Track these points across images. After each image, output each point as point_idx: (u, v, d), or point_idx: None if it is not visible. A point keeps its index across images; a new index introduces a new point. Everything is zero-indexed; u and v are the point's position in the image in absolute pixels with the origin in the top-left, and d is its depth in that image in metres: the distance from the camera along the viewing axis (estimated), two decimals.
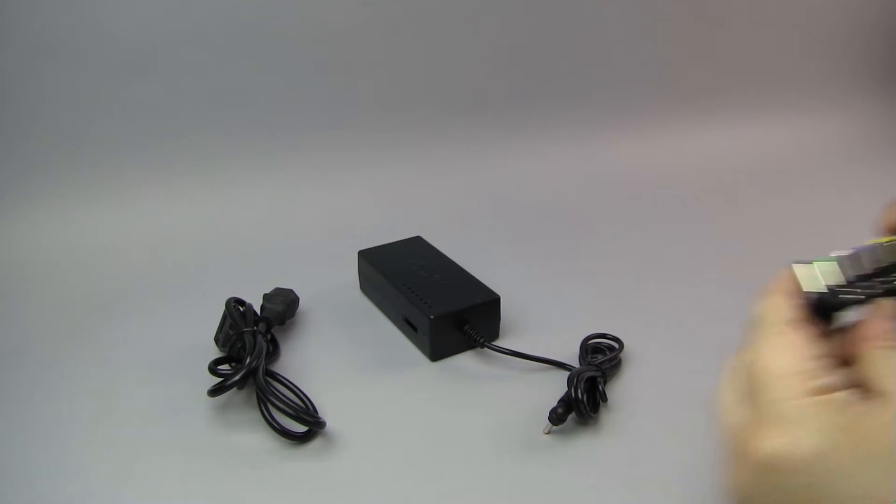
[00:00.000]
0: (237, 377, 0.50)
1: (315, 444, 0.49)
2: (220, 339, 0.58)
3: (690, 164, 0.97)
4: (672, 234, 0.81)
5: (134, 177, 0.80)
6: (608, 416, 0.52)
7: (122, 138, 0.80)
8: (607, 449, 0.49)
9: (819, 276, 0.35)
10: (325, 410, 0.52)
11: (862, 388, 0.30)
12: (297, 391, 0.53)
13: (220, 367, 0.53)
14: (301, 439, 0.49)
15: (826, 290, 0.34)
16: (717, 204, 0.89)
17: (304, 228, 0.80)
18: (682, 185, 0.93)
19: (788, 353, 0.31)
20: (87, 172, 0.79)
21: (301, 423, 0.49)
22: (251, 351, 0.52)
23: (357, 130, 0.89)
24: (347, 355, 0.59)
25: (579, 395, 0.49)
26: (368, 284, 0.67)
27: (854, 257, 0.34)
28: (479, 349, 0.58)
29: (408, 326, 0.60)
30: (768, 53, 1.03)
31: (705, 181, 0.94)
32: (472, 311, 0.58)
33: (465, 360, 0.58)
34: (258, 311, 0.60)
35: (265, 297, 0.61)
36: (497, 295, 0.59)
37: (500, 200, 0.88)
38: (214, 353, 0.58)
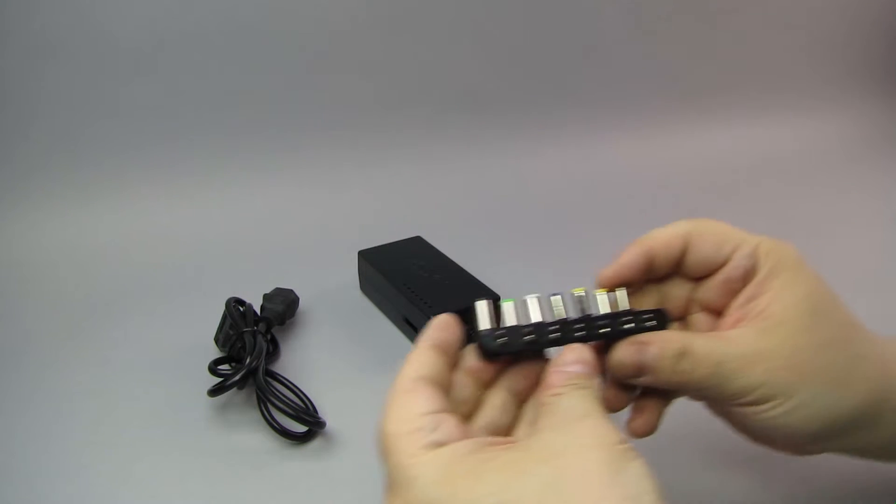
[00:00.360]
0: (237, 377, 0.50)
1: (315, 443, 0.49)
2: (220, 339, 0.58)
3: (690, 164, 0.97)
4: None
5: (134, 177, 0.80)
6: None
7: (121, 138, 0.80)
8: None
9: (505, 314, 0.36)
10: (325, 410, 0.52)
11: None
12: (297, 391, 0.53)
13: (220, 367, 0.53)
14: (301, 439, 0.49)
15: (484, 332, 0.35)
16: (717, 204, 0.89)
17: (304, 228, 0.80)
18: (682, 185, 0.93)
19: (403, 412, 0.31)
20: (86, 172, 0.79)
21: (301, 423, 0.49)
22: (251, 351, 0.52)
23: (357, 130, 0.89)
24: (347, 355, 0.59)
25: None
26: (368, 284, 0.67)
27: (521, 304, 0.36)
28: None
29: (408, 326, 0.60)
30: (768, 53, 1.03)
31: (705, 181, 0.94)
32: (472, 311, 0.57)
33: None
34: (258, 311, 0.60)
35: (265, 297, 0.61)
36: (497, 295, 0.59)
37: (501, 200, 0.88)
38: (214, 353, 0.58)
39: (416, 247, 0.68)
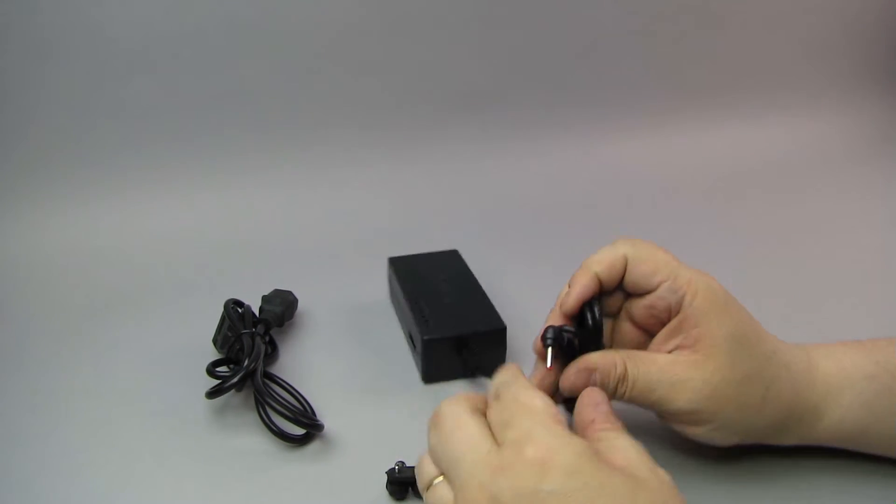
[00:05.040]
0: (235, 379, 0.50)
1: (313, 446, 0.50)
2: (218, 341, 0.58)
3: (690, 164, 0.97)
4: (672, 234, 0.80)
5: (133, 177, 0.80)
6: None
7: (121, 138, 0.80)
8: None
9: None
10: (323, 413, 0.52)
11: None
12: (296, 393, 0.53)
13: (218, 368, 0.53)
14: (299, 442, 0.49)
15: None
16: (718, 204, 0.89)
17: (303, 230, 0.80)
18: (682, 185, 0.93)
19: (540, 397, 0.37)
20: (86, 172, 0.79)
21: (299, 426, 0.49)
22: (249, 353, 0.52)
23: (357, 130, 0.89)
24: (346, 358, 0.59)
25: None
26: (392, 293, 0.65)
27: None
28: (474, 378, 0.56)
29: (410, 342, 0.59)
30: (768, 54, 1.03)
31: (705, 181, 0.94)
32: (476, 338, 0.55)
33: (461, 387, 0.56)
34: (257, 313, 0.60)
35: (264, 298, 0.61)
36: (503, 325, 0.56)
37: (500, 200, 0.88)
38: (213, 354, 0.58)
39: (448, 261, 0.65)
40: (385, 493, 0.45)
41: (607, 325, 0.46)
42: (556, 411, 0.35)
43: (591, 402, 0.38)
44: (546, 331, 0.43)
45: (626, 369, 0.42)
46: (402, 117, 0.90)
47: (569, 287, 0.44)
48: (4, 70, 0.74)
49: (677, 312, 0.42)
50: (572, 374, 0.42)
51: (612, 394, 0.41)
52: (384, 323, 0.64)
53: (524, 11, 0.91)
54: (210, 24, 0.79)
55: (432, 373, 0.56)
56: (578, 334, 0.43)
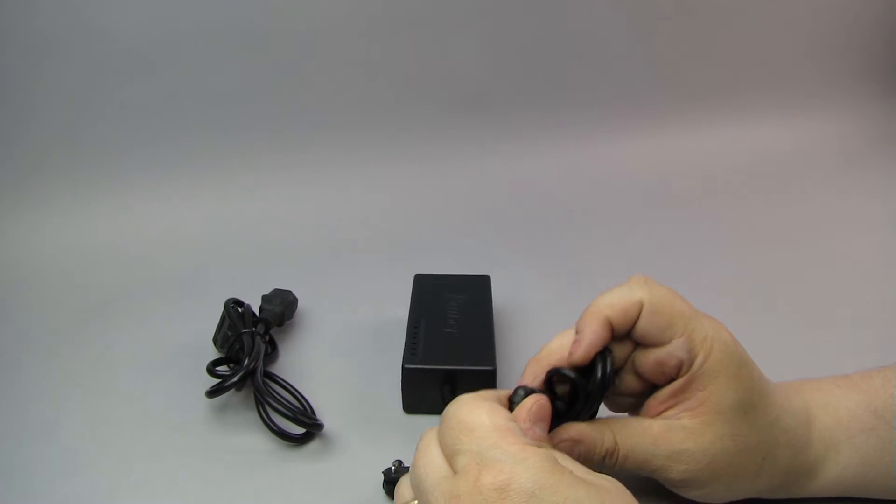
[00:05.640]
0: (235, 378, 0.50)
1: (312, 445, 0.50)
2: (218, 340, 0.59)
3: (690, 164, 0.97)
4: (672, 234, 0.81)
5: (133, 177, 0.80)
6: None
7: (121, 138, 0.80)
8: None
9: None
10: (323, 412, 0.52)
11: None
12: (295, 393, 0.53)
13: (218, 368, 0.53)
14: (299, 441, 0.49)
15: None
16: (717, 204, 0.89)
17: (303, 229, 0.80)
18: (682, 185, 0.93)
19: (503, 414, 0.35)
20: (86, 173, 0.79)
21: (299, 425, 0.49)
22: (249, 352, 0.52)
23: (357, 130, 0.89)
24: (345, 357, 0.59)
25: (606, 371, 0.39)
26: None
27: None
28: None
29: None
30: (768, 54, 1.03)
31: (705, 181, 0.94)
32: (462, 375, 0.51)
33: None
34: (257, 313, 0.60)
35: (264, 298, 0.62)
36: (493, 366, 0.51)
37: (500, 200, 0.88)
38: (213, 353, 0.58)
39: (473, 287, 0.61)
40: (382, 491, 0.45)
41: None
42: (504, 422, 0.34)
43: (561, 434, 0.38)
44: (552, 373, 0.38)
45: (615, 444, 0.39)
46: (402, 117, 0.90)
47: (576, 333, 0.39)
48: (5, 70, 0.74)
49: (687, 371, 0.39)
50: (559, 444, 0.38)
51: (600, 467, 0.38)
52: (384, 322, 0.64)
53: (524, 11, 0.91)
54: (210, 25, 0.79)
55: (414, 403, 0.53)
56: (580, 383, 0.38)
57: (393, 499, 0.44)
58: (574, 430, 0.38)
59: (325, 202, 0.84)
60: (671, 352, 0.39)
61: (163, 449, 0.49)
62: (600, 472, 0.35)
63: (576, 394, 0.39)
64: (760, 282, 0.71)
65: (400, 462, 0.45)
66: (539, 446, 0.33)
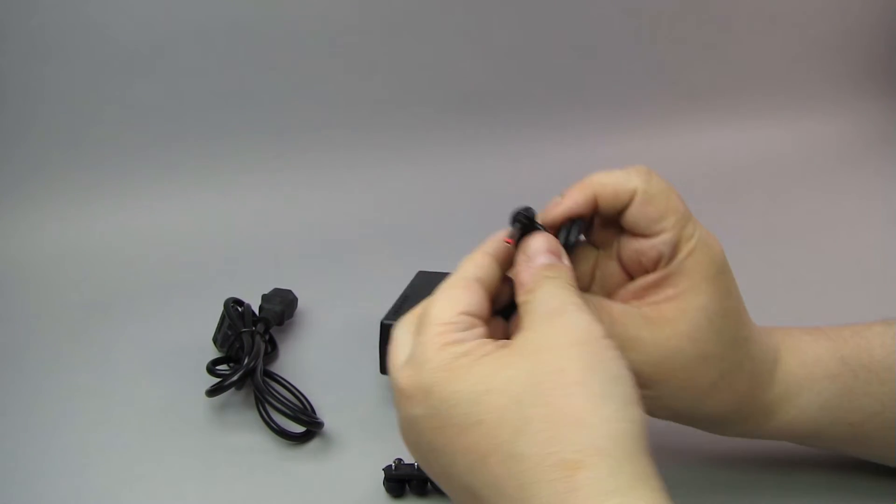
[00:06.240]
0: (235, 377, 0.50)
1: (313, 444, 0.50)
2: (218, 340, 0.59)
3: (690, 164, 0.97)
4: None
5: (133, 177, 0.80)
6: None
7: (121, 138, 0.80)
8: None
9: None
10: (323, 411, 0.52)
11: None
12: (295, 391, 0.53)
13: (218, 367, 0.53)
14: (299, 440, 0.49)
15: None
16: (717, 204, 0.88)
17: (303, 229, 0.80)
18: (682, 185, 0.91)
19: (449, 304, 0.34)
20: (86, 172, 0.79)
21: (299, 424, 0.49)
22: (249, 351, 0.52)
23: (357, 130, 0.89)
24: (345, 356, 0.59)
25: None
26: None
27: None
28: None
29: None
30: (768, 54, 1.03)
31: (705, 181, 0.94)
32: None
33: None
34: (257, 312, 0.60)
35: (264, 297, 0.62)
36: None
37: (500, 201, 0.88)
38: (213, 353, 0.58)
39: None
40: (383, 489, 0.45)
41: (592, 256, 0.40)
42: (448, 317, 0.33)
43: (526, 257, 0.35)
44: (521, 211, 0.37)
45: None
46: (402, 118, 0.90)
47: (560, 198, 0.38)
48: (4, 71, 0.74)
49: (664, 266, 0.37)
50: (522, 265, 0.36)
51: None
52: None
53: (524, 12, 0.91)
54: (209, 25, 0.79)
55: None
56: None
57: (393, 496, 0.45)
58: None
59: (326, 202, 0.84)
60: (654, 245, 0.37)
61: (163, 448, 0.49)
62: None
63: None
64: (760, 282, 0.71)
65: (400, 460, 0.45)
66: (460, 343, 0.32)
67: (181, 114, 0.81)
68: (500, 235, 0.37)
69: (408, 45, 0.88)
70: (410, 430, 0.33)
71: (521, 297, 0.34)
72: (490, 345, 0.32)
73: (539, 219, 0.38)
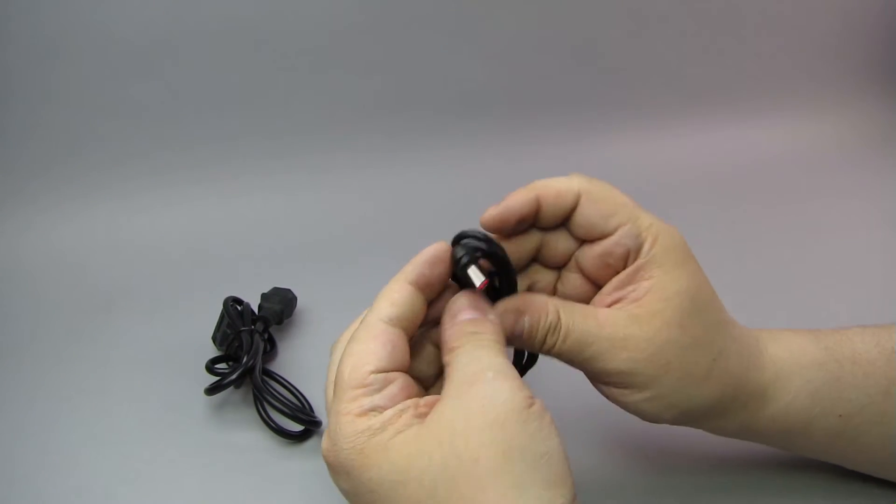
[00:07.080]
0: (234, 376, 0.50)
1: (311, 442, 0.50)
2: (217, 338, 0.59)
3: (690, 164, 0.97)
4: None
5: (134, 176, 0.80)
6: None
7: (121, 139, 0.80)
8: None
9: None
10: (321, 410, 0.51)
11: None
12: (294, 390, 0.53)
13: (217, 365, 0.53)
14: (297, 438, 0.49)
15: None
16: (717, 204, 0.89)
17: (302, 228, 0.80)
18: (682, 185, 0.93)
19: (360, 361, 0.32)
20: (86, 173, 0.79)
21: (297, 422, 0.49)
22: (248, 350, 0.52)
23: (357, 131, 0.89)
24: None
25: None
26: None
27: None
28: None
29: None
30: (768, 54, 1.03)
31: (705, 182, 0.94)
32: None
33: None
34: (256, 310, 0.60)
35: (263, 296, 0.62)
36: None
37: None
38: (212, 351, 0.58)
39: None
40: None
41: (552, 276, 0.40)
42: (356, 387, 0.32)
43: (452, 314, 0.34)
44: (471, 237, 0.35)
45: (559, 318, 0.36)
46: (402, 118, 0.90)
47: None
48: (6, 71, 0.75)
49: (634, 259, 0.37)
50: (502, 316, 0.35)
51: (541, 345, 0.36)
52: None
53: (524, 13, 0.91)
54: (209, 25, 0.80)
55: None
56: (495, 248, 0.35)
57: None
58: (517, 301, 0.36)
59: (326, 202, 0.84)
60: (618, 241, 0.36)
61: (162, 446, 0.50)
62: (537, 350, 0.36)
63: (498, 264, 0.36)
64: (759, 281, 0.71)
65: None
66: (375, 411, 0.31)
67: (181, 114, 0.81)
68: (423, 257, 0.36)
69: (408, 45, 0.88)
70: (345, 495, 0.33)
71: (444, 357, 0.33)
72: (407, 414, 0.31)
73: (481, 224, 0.37)
